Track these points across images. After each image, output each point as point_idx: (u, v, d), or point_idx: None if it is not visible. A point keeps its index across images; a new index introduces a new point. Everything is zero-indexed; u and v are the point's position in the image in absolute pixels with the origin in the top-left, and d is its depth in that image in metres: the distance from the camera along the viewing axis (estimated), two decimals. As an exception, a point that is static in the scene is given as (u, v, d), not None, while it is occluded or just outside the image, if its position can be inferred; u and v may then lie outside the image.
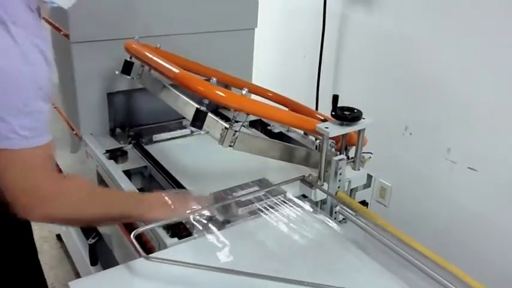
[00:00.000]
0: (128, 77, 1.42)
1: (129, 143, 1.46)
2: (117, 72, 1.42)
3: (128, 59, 1.41)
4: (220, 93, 1.08)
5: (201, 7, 1.57)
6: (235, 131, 1.10)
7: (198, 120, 1.10)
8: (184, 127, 1.56)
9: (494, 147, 1.49)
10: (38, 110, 0.81)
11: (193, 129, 1.12)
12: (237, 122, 1.11)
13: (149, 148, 1.44)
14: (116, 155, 1.35)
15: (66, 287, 0.86)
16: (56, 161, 0.89)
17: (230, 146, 1.11)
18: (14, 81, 0.77)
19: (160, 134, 1.53)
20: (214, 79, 1.11)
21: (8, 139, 0.78)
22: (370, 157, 1.27)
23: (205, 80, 1.15)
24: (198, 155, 1.44)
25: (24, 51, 0.77)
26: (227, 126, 1.10)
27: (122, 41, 1.39)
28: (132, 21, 1.44)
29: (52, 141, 0.85)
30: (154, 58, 1.26)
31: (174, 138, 1.54)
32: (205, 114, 1.10)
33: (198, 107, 1.11)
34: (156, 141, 1.50)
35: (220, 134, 1.10)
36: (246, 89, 1.10)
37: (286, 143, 1.28)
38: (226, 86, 1.54)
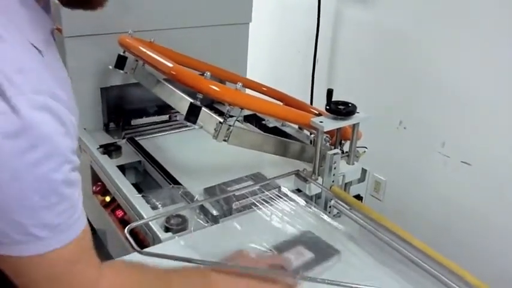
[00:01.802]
0: (122, 71, 1.41)
1: (123, 138, 1.46)
2: (110, 67, 1.41)
3: (122, 54, 1.40)
4: (214, 87, 1.08)
5: (195, 1, 1.56)
6: (230, 126, 1.10)
7: (192, 114, 1.10)
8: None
9: (488, 142, 1.50)
10: (60, 198, 0.54)
11: (187, 123, 1.11)
12: (231, 116, 1.11)
13: (143, 143, 1.44)
14: (109, 150, 1.35)
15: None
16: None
17: (224, 140, 1.11)
18: (10, 169, 0.50)
19: (139, 119, 1.54)
20: (208, 73, 1.11)
21: (20, 243, 0.53)
22: (364, 151, 1.27)
23: (200, 74, 1.15)
24: (193, 149, 1.43)
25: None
26: (221, 120, 1.10)
27: (116, 35, 1.38)
28: (126, 16, 1.43)
29: (87, 227, 0.60)
30: (148, 52, 1.25)
31: (153, 123, 1.56)
32: (200, 108, 1.10)
33: (192, 101, 1.10)
34: (144, 133, 1.50)
35: (215, 129, 1.10)
36: (240, 83, 1.10)
37: (280, 138, 1.28)
38: (221, 81, 1.53)
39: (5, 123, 0.48)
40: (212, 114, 1.13)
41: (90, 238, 0.62)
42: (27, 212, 0.52)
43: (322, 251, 0.94)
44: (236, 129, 1.11)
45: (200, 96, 1.09)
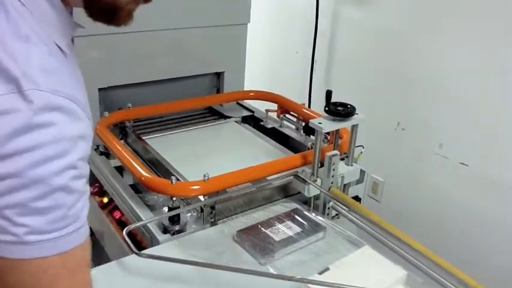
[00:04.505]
0: None
1: (121, 139, 1.45)
2: None
3: None
4: (194, 187, 1.06)
5: (193, 1, 1.55)
6: None
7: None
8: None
9: (486, 143, 1.50)
10: (60, 202, 0.50)
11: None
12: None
13: (141, 143, 1.43)
14: (107, 151, 1.34)
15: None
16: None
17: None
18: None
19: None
20: (174, 178, 1.05)
21: (5, 243, 0.48)
22: (361, 152, 1.27)
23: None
24: (191, 149, 1.43)
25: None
26: None
27: (113, 36, 1.37)
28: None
29: (88, 240, 0.57)
30: (123, 155, 1.19)
31: (151, 124, 1.55)
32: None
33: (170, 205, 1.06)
34: (141, 134, 1.49)
35: None
36: (206, 174, 1.05)
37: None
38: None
39: (17, 120, 0.46)
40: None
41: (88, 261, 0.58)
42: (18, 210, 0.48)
43: (309, 227, 1.04)
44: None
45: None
